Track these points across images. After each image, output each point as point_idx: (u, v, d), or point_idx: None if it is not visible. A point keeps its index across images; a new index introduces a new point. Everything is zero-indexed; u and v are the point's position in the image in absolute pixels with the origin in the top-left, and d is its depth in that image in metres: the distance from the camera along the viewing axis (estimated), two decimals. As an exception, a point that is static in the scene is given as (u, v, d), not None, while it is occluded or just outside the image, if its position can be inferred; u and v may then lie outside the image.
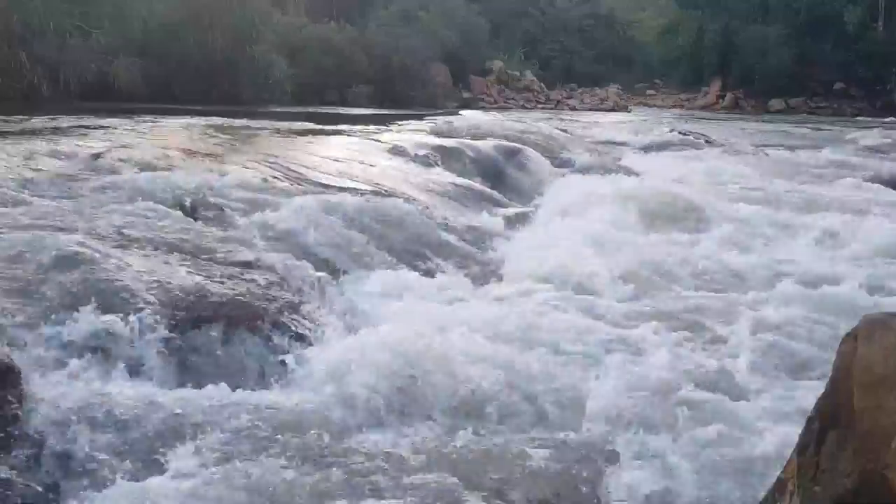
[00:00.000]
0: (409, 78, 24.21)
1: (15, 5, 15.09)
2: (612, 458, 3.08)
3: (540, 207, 8.32)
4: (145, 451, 2.87)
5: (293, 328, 3.84)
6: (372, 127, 13.18)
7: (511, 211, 8.20)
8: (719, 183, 10.26)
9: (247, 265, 4.46)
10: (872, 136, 18.07)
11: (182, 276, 4.01)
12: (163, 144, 8.08)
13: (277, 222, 5.42)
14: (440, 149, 10.07)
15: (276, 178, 7.02)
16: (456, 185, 8.48)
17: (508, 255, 6.25)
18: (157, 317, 3.53)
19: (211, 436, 2.97)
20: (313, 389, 3.41)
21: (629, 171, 10.87)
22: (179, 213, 5.32)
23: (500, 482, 2.87)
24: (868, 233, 6.88)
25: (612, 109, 30.37)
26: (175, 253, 4.38)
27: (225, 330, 3.66)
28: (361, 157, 9.09)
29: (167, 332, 3.48)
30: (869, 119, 27.20)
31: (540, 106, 29.61)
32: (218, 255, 4.52)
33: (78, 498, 2.67)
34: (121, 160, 6.75)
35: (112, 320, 3.40)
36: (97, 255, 3.99)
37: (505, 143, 11.16)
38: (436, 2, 30.12)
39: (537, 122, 16.64)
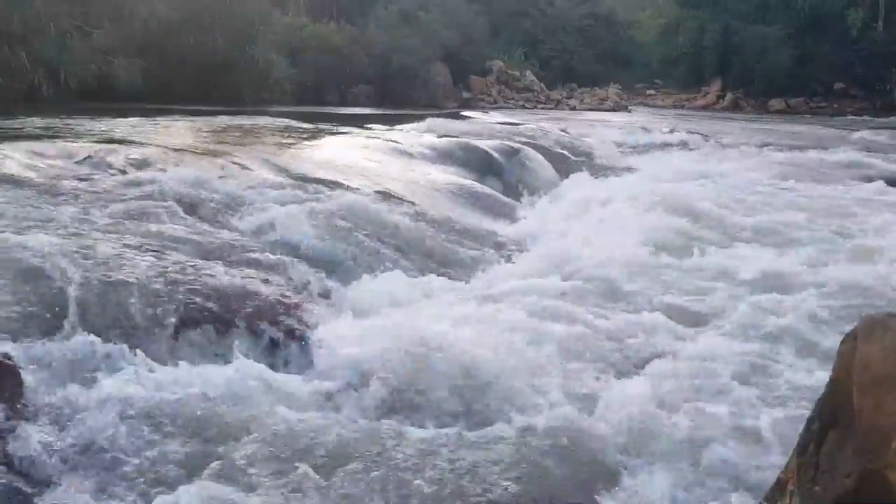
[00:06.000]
0: (409, 78, 24.18)
1: (15, 5, 15.07)
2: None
3: (541, 209, 8.32)
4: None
5: (293, 327, 3.85)
6: (372, 127, 13.17)
7: (511, 212, 8.19)
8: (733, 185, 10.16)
9: (246, 264, 4.46)
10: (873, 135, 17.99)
11: (180, 273, 4.01)
12: (163, 144, 8.08)
13: (277, 221, 5.42)
14: (440, 149, 10.05)
15: (276, 177, 7.01)
16: (455, 185, 8.47)
17: (506, 255, 6.24)
18: (157, 314, 3.53)
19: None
20: (315, 387, 3.42)
21: (631, 172, 10.86)
22: (179, 211, 5.32)
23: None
24: None
25: (612, 109, 30.25)
26: (173, 251, 4.38)
27: (222, 328, 3.66)
28: (361, 157, 9.07)
29: (167, 329, 3.48)
30: (869, 119, 27.16)
31: (540, 106, 29.53)
32: (216, 254, 4.53)
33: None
34: (121, 160, 6.74)
35: (112, 317, 3.40)
36: (98, 253, 3.99)
37: (505, 142, 11.14)
38: (436, 2, 30.01)
39: (539, 122, 16.62)
